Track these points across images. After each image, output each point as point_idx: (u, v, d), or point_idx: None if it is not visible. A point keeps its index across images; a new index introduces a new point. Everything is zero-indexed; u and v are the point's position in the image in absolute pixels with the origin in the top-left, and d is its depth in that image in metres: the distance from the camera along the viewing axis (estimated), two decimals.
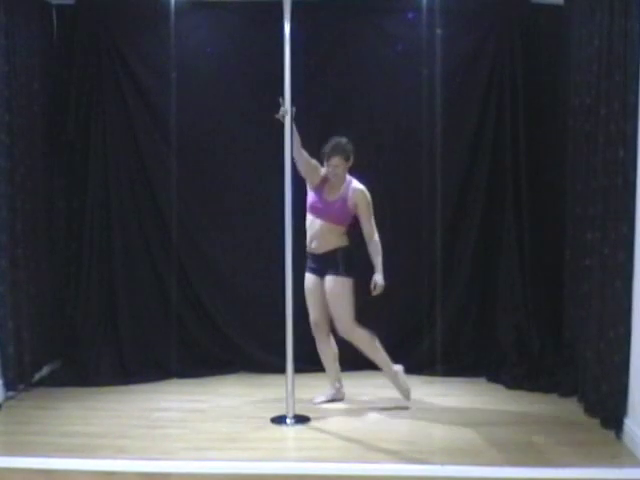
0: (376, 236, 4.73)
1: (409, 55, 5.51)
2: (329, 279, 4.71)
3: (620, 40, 4.13)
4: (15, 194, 4.95)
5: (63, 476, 3.78)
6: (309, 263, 4.80)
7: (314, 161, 4.72)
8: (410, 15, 5.49)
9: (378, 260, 4.70)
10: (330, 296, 4.70)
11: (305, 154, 4.65)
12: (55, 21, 5.58)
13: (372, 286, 4.66)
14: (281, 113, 4.43)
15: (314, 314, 4.79)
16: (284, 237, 4.48)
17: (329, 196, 4.72)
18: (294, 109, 4.45)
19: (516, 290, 5.45)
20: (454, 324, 5.60)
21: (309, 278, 4.79)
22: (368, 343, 4.74)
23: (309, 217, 4.76)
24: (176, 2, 5.46)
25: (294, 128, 4.50)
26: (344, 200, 4.70)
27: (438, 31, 5.42)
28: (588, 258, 4.59)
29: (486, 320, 5.58)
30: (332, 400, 4.89)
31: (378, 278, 4.66)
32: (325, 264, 4.72)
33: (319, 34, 5.46)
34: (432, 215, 5.49)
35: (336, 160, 4.66)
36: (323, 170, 4.74)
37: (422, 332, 5.59)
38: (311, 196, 4.76)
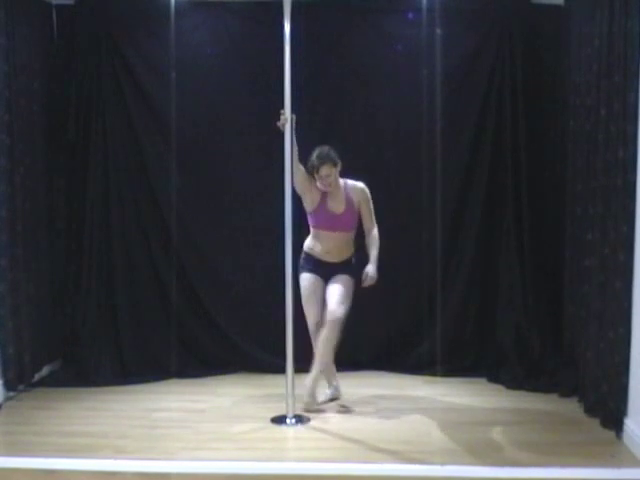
0: (375, 230, 4.75)
1: (409, 55, 5.51)
2: (341, 277, 4.68)
3: (620, 40, 4.13)
4: (15, 194, 4.95)
5: (63, 476, 3.78)
6: (312, 266, 4.75)
7: (309, 180, 4.67)
8: (410, 15, 5.49)
9: (374, 252, 4.70)
10: (339, 286, 4.66)
11: (302, 168, 4.61)
12: (55, 21, 5.58)
13: (363, 276, 4.63)
14: (282, 121, 4.42)
15: (316, 315, 4.74)
16: (284, 237, 4.48)
17: (336, 208, 4.68)
18: (294, 117, 4.44)
19: (516, 290, 5.45)
20: (454, 324, 5.60)
21: (310, 279, 4.75)
22: (334, 336, 4.64)
23: (322, 233, 4.72)
24: (176, 2, 5.46)
25: (294, 141, 4.50)
26: (351, 204, 4.70)
27: (438, 31, 5.42)
28: (588, 258, 4.58)
29: (486, 320, 5.58)
30: (332, 399, 4.89)
31: (370, 269, 4.63)
32: (336, 270, 4.71)
33: (319, 34, 5.45)
34: (432, 215, 5.49)
35: (326, 169, 4.61)
36: (318, 187, 4.69)
37: (422, 332, 5.59)
38: (318, 214, 4.70)
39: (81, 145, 5.55)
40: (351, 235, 4.76)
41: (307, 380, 4.68)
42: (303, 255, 4.79)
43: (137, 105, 5.57)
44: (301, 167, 4.60)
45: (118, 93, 5.55)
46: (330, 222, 4.70)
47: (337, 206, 4.69)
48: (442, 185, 5.47)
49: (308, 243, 4.80)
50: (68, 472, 3.80)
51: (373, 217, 4.77)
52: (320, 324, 4.74)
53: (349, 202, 4.71)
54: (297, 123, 4.49)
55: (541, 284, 5.46)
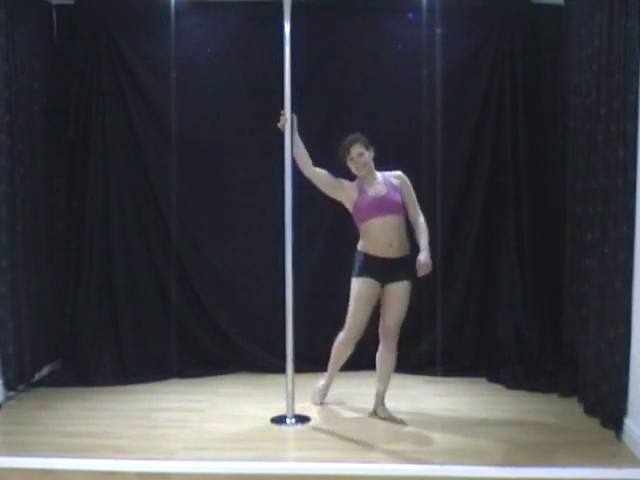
0: (421, 218, 4.57)
1: (409, 55, 5.51)
2: (402, 285, 4.48)
3: (620, 40, 4.14)
4: (15, 194, 4.94)
5: (63, 476, 3.78)
6: (373, 270, 4.47)
7: (336, 179, 4.56)
8: (410, 15, 5.49)
9: (424, 240, 4.49)
10: (400, 301, 4.51)
11: (318, 170, 4.52)
12: (55, 21, 5.58)
13: (417, 266, 4.45)
14: (282, 122, 4.42)
15: (363, 325, 4.52)
16: (284, 237, 4.48)
17: (378, 192, 4.51)
18: (295, 117, 4.44)
19: (516, 290, 5.45)
20: (454, 324, 5.60)
21: (370, 285, 4.47)
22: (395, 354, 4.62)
23: (374, 224, 4.45)
24: (176, 2, 5.46)
25: (303, 146, 4.47)
26: (392, 188, 4.54)
27: (438, 31, 5.42)
28: (588, 258, 4.59)
29: (486, 320, 5.59)
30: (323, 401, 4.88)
31: (423, 257, 4.43)
32: (397, 270, 4.49)
33: (319, 34, 5.45)
34: (432, 215, 5.47)
35: (356, 148, 4.50)
36: (351, 183, 4.58)
37: (422, 332, 5.58)
38: (361, 204, 4.49)
39: (81, 145, 5.55)
40: (403, 219, 4.53)
41: (381, 409, 4.60)
42: (362, 257, 4.51)
43: (137, 105, 5.57)
44: (317, 170, 4.52)
45: (118, 93, 5.55)
46: (377, 206, 4.47)
47: (378, 190, 4.52)
48: (442, 185, 5.47)
49: (364, 245, 4.53)
50: (68, 472, 3.80)
51: (417, 205, 4.59)
52: (361, 333, 4.56)
53: (390, 186, 4.53)
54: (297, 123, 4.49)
55: (541, 284, 5.46)
